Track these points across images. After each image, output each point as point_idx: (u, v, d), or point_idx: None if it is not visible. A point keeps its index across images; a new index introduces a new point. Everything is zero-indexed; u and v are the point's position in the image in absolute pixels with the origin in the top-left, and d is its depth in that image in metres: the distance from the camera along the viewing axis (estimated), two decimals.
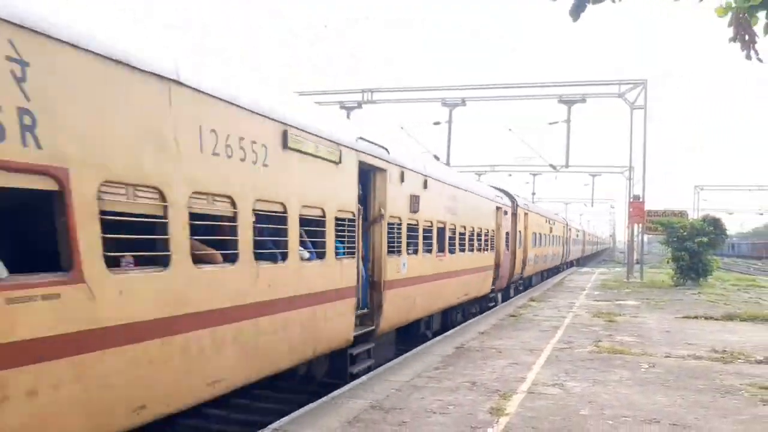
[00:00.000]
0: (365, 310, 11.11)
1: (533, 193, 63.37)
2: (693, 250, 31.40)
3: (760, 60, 5.56)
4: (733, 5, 5.49)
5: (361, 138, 10.48)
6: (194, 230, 6.28)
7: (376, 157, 10.98)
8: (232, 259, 6.90)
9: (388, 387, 9.43)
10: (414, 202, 12.93)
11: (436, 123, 36.18)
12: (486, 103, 36.27)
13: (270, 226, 7.79)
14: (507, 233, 23.81)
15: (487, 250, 20.27)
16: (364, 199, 11.15)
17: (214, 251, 6.75)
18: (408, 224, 12.69)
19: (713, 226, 32.44)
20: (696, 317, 18.57)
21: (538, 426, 7.56)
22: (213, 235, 6.76)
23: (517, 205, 26.08)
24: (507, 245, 23.78)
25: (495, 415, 8.01)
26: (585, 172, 60.84)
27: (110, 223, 5.30)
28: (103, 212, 5.23)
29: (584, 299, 24.20)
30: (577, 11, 5.70)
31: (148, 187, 5.73)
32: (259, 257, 7.35)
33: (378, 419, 7.76)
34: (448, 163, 32.13)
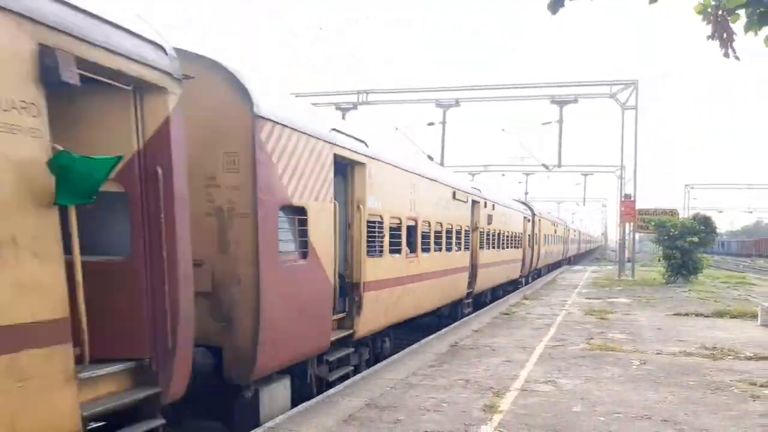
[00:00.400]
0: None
1: (526, 193, 63.43)
2: (684, 248, 31.54)
3: (737, 58, 5.58)
4: (712, 3, 5.50)
5: (335, 129, 9.45)
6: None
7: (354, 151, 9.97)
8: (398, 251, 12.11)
9: (383, 385, 9.42)
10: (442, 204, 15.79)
11: (430, 123, 36.20)
12: (479, 103, 36.41)
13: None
14: (528, 235, 31.78)
15: (518, 247, 28.73)
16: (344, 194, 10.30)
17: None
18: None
19: (703, 225, 32.57)
20: (687, 314, 18.63)
21: (530, 423, 7.57)
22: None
23: (533, 214, 34.30)
24: (529, 244, 31.85)
25: (488, 412, 8.01)
26: (577, 172, 61.08)
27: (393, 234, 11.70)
28: (391, 228, 11.82)
29: (576, 297, 24.23)
30: (555, 5, 5.72)
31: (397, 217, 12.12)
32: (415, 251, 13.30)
33: (373, 417, 7.75)
34: (442, 164, 32.16)
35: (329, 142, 9.04)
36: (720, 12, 5.45)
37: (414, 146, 19.14)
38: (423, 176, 13.96)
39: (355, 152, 10.06)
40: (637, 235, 43.58)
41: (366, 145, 10.58)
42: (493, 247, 22.49)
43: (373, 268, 10.74)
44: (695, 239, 31.40)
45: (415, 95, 35.98)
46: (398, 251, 12.16)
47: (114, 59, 4.93)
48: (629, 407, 8.35)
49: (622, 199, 37.14)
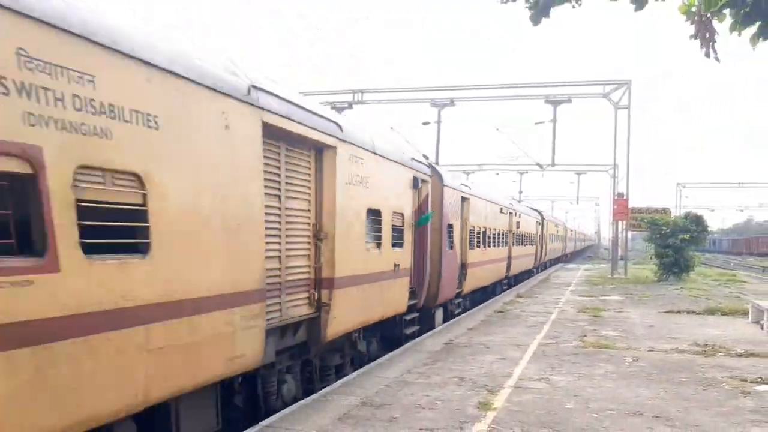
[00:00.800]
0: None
1: (520, 192, 63.46)
2: (675, 246, 31.64)
3: (717, 60, 5.59)
4: (696, 3, 5.51)
5: (464, 184, 17.35)
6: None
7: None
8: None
9: (378, 383, 9.41)
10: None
11: (425, 123, 36.27)
12: (474, 103, 36.35)
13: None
14: (539, 235, 39.07)
15: (533, 245, 36.28)
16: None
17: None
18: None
19: (695, 223, 32.65)
20: (679, 312, 18.67)
21: (524, 420, 7.57)
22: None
23: (543, 219, 41.59)
24: (539, 243, 39.19)
25: (482, 409, 8.01)
26: (571, 171, 61.12)
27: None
28: (477, 233, 20.33)
29: (570, 295, 24.27)
30: (537, 17, 5.76)
31: (481, 227, 20.74)
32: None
33: (368, 415, 7.74)
34: (437, 162, 32.12)
35: (460, 191, 17.89)
36: (705, 15, 5.47)
37: (409, 145, 19.12)
38: (489, 201, 22.90)
39: (468, 194, 18.94)
40: (629, 234, 43.71)
41: (470, 188, 19.75)
42: (520, 245, 30.41)
43: (471, 255, 19.16)
44: (687, 237, 31.50)
45: (410, 95, 35.96)
46: (480, 246, 20.64)
47: (414, 173, 13.03)
48: (622, 404, 8.37)
49: (615, 197, 37.23)
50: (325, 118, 9.01)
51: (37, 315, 4.37)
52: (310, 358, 9.47)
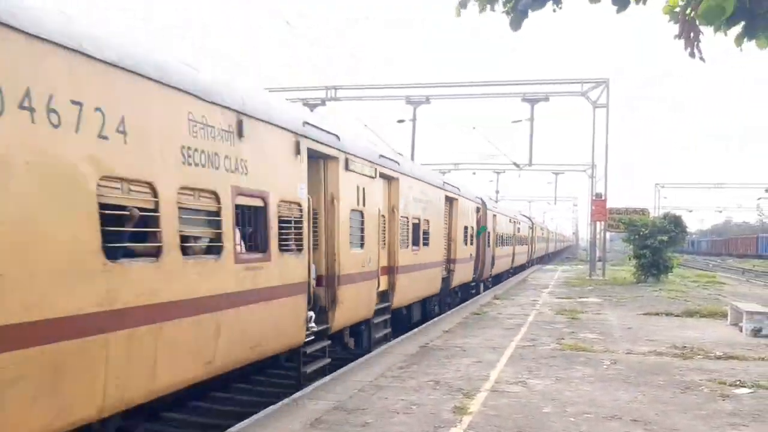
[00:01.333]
0: None
1: (497, 191, 63.86)
2: (654, 247, 31.97)
3: (702, 59, 5.65)
4: (680, 3, 5.56)
5: (495, 208, 27.28)
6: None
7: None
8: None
9: (350, 387, 9.38)
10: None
11: (401, 121, 36.27)
12: (450, 101, 36.43)
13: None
14: (530, 237, 50.03)
15: (526, 245, 47.64)
16: None
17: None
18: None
19: (674, 224, 33.01)
20: (657, 314, 18.90)
21: (501, 425, 7.60)
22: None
23: (533, 224, 54.17)
24: (530, 243, 50.28)
25: (458, 414, 8.02)
26: (548, 170, 61.73)
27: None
28: (500, 236, 33.17)
29: (547, 297, 24.45)
30: (516, 23, 5.82)
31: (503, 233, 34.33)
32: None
33: (341, 420, 7.71)
34: (412, 160, 32.20)
35: (493, 211, 29.11)
36: (688, 12, 5.52)
37: (383, 144, 19.10)
38: (506, 215, 35.81)
39: (494, 211, 29.55)
40: (608, 234, 44.17)
41: (496, 207, 31.52)
42: (519, 245, 42.78)
43: (498, 251, 31.53)
44: (665, 238, 31.85)
45: (384, 92, 35.86)
46: (501, 245, 32.47)
47: (474, 204, 25.47)
48: (600, 407, 8.43)
49: (593, 198, 37.58)
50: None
51: (264, 285, 8.51)
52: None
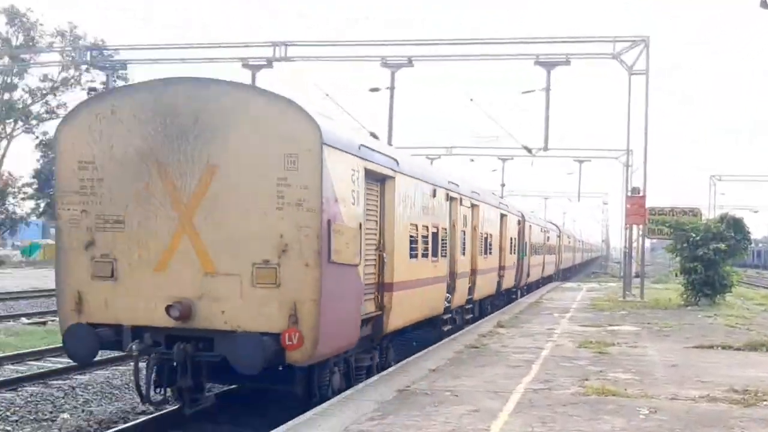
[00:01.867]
0: None
1: (503, 185, 64.06)
2: (708, 259, 31.95)
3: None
4: None
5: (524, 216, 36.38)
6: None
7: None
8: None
9: None
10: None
11: (374, 89, 36.01)
12: (440, 63, 36.18)
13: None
14: (557, 246, 60.94)
15: (554, 254, 59.29)
16: None
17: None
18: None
19: (734, 229, 33.04)
20: (711, 347, 19.00)
21: None
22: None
23: (561, 232, 65.62)
24: (557, 252, 61.66)
25: None
26: (569, 157, 61.55)
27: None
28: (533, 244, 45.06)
29: (567, 324, 24.53)
30: None
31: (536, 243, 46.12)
32: None
33: None
34: (390, 143, 32.04)
35: (535, 224, 45.91)
36: None
37: (349, 118, 19.21)
38: (539, 225, 48.92)
39: (530, 222, 41.30)
40: (648, 242, 44.32)
41: (530, 218, 43.16)
42: (549, 254, 54.27)
43: (532, 260, 41.97)
44: (723, 247, 31.88)
45: (352, 50, 35.43)
46: (534, 254, 43.78)
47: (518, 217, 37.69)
48: None
49: (629, 194, 37.32)
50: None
51: (435, 275, 19.48)
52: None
